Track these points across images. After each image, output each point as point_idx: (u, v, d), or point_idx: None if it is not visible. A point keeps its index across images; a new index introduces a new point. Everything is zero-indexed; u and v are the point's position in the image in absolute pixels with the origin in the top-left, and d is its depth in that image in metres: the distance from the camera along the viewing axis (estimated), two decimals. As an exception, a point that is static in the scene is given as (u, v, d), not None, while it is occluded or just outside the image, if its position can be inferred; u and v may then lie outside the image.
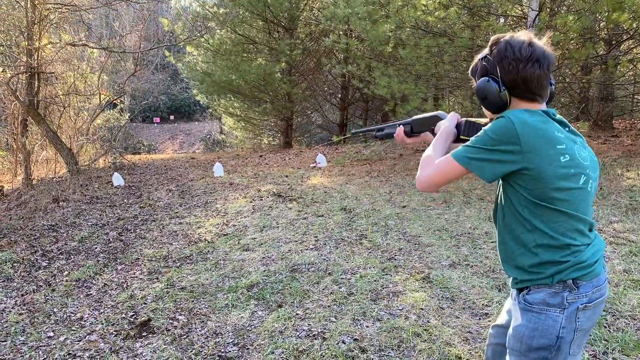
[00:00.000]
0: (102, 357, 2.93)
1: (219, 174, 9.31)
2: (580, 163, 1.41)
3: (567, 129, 1.46)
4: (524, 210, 1.42)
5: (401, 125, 1.86)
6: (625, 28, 8.21)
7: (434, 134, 1.76)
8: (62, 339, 3.20)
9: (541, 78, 1.42)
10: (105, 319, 3.45)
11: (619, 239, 4.37)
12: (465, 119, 1.69)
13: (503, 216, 1.51)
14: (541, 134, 1.36)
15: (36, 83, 9.57)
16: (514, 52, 1.42)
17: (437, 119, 1.75)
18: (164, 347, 2.99)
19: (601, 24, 9.68)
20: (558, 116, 1.46)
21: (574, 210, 1.41)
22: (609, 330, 2.82)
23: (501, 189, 1.51)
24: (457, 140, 1.66)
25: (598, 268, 1.45)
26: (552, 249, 1.41)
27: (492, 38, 1.51)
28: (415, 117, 1.85)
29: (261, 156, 12.74)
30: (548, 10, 8.39)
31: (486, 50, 1.52)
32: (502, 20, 10.26)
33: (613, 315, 3.00)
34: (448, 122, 1.67)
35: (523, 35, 1.45)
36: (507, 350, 1.54)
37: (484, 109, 1.55)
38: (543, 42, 1.45)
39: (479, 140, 1.41)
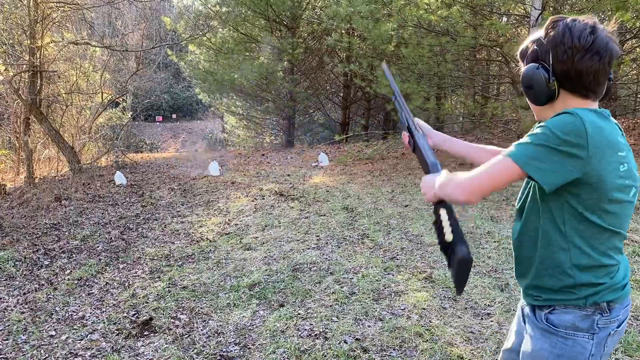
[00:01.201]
0: (103, 356, 2.93)
1: (215, 172, 9.28)
2: (634, 174, 1.26)
3: (620, 132, 1.29)
4: (565, 224, 1.25)
5: (408, 134, 1.66)
6: (628, 27, 8.17)
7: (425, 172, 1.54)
8: (63, 337, 3.20)
9: (598, 73, 1.22)
10: (107, 318, 3.45)
11: (622, 239, 4.36)
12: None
13: (530, 229, 1.33)
14: (607, 136, 1.18)
15: (38, 81, 9.57)
16: (572, 39, 1.20)
17: (431, 169, 1.51)
18: (165, 346, 2.99)
19: (604, 23, 9.64)
20: (612, 119, 1.28)
21: (618, 226, 1.26)
22: (611, 331, 2.81)
23: (533, 199, 1.32)
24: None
25: (628, 287, 1.33)
26: (589, 270, 1.26)
27: (551, 18, 1.28)
28: (421, 141, 1.60)
29: (263, 155, 12.73)
30: (551, 9, 8.37)
31: (541, 32, 1.29)
32: (505, 19, 10.24)
33: (616, 316, 2.99)
34: (433, 190, 1.40)
35: (587, 19, 1.24)
36: None
37: (527, 100, 1.34)
38: (608, 31, 1.24)
39: (540, 137, 1.18)
